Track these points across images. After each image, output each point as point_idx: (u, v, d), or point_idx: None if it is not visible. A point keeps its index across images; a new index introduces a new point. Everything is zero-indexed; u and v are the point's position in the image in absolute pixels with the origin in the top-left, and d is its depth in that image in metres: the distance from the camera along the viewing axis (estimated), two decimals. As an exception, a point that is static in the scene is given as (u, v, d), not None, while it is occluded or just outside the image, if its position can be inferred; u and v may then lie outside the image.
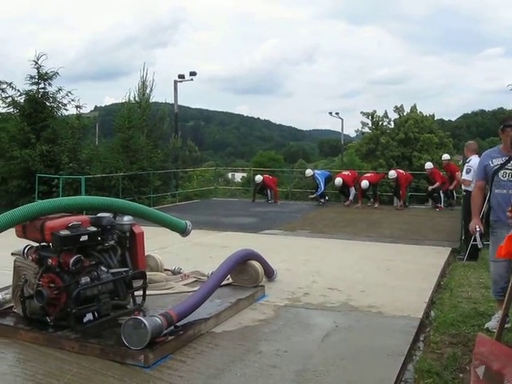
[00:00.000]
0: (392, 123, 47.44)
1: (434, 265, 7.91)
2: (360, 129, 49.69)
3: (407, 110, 47.37)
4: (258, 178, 18.41)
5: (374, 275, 7.24)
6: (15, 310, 5.03)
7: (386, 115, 48.02)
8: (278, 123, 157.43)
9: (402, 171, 17.08)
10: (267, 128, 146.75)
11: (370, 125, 47.88)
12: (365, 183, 16.10)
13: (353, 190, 16.55)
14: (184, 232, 6.60)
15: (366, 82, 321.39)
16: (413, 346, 4.73)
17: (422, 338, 5.05)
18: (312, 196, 17.87)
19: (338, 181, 16.52)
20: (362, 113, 48.28)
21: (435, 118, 49.99)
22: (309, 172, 17.78)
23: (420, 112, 47.18)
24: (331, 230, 11.67)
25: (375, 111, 48.07)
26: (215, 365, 4.17)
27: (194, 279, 6.38)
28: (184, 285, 6.15)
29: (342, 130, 53.94)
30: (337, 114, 48.98)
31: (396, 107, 47.58)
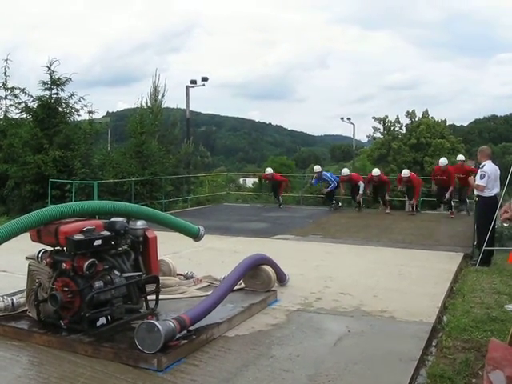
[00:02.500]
0: (404, 128, 47.41)
1: (446, 270, 7.88)
2: (372, 134, 49.79)
3: (419, 115, 47.34)
4: (269, 169, 18.79)
5: (387, 280, 7.23)
6: (29, 314, 5.08)
7: (397, 120, 48.07)
8: (289, 128, 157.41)
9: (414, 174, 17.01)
10: (279, 133, 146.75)
11: (382, 130, 47.93)
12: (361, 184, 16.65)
13: (362, 185, 16.68)
14: (197, 237, 6.63)
15: (379, 87, 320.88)
16: (425, 351, 4.72)
17: (434, 343, 5.03)
18: (326, 190, 17.50)
19: (345, 170, 17.48)
20: (373, 118, 48.47)
21: (447, 124, 49.99)
22: (317, 168, 17.87)
23: (432, 117, 47.15)
24: (343, 235, 11.67)
25: (387, 116, 48.16)
26: (228, 369, 4.18)
27: (207, 284, 6.40)
28: (197, 289, 6.18)
29: (354, 135, 53.80)
30: (348, 119, 48.97)
31: (408, 112, 47.61)
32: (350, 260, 8.82)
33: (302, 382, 3.95)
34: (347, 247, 10.10)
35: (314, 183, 18.85)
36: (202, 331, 4.73)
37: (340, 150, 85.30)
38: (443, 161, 15.61)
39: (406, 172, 16.13)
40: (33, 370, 4.23)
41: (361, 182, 16.79)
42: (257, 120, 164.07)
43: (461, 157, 15.95)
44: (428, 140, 43.58)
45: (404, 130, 47.22)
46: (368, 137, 52.20)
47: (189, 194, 21.09)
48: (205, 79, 28.31)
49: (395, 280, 7.29)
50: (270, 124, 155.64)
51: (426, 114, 47.31)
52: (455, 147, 44.55)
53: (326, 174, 17.81)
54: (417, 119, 46.73)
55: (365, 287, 6.80)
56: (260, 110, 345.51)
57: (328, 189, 17.28)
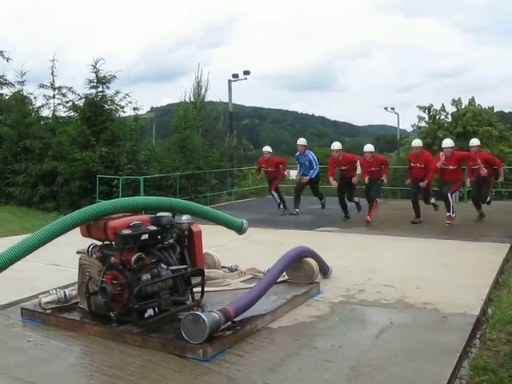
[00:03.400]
0: (449, 117, 46.47)
1: (492, 261, 7.78)
2: (416, 123, 48.86)
3: (465, 102, 46.31)
4: (267, 148, 14.40)
5: (431, 272, 7.20)
6: (81, 306, 5.27)
7: (443, 109, 47.10)
8: (332, 119, 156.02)
9: None
10: (322, 124, 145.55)
11: (427, 119, 47.05)
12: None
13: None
14: (240, 230, 6.73)
15: (423, 75, 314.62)
16: (468, 343, 4.70)
17: (478, 336, 5.01)
18: (306, 178, 13.60)
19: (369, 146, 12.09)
20: (418, 107, 47.52)
21: (495, 111, 48.67)
22: (302, 140, 13.73)
23: (478, 105, 46.04)
24: (387, 226, 11.60)
25: (432, 105, 47.21)
26: (271, 359, 4.27)
27: (251, 276, 6.49)
28: (241, 282, 6.28)
29: (398, 124, 52.98)
30: (392, 109, 48.38)
31: (453, 100, 46.60)
32: (393, 252, 8.79)
33: (344, 373, 4.01)
34: (391, 239, 10.05)
35: (316, 169, 13.51)
36: (247, 322, 4.83)
37: (384, 139, 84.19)
38: (475, 141, 12.07)
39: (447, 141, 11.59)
40: (85, 359, 4.41)
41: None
42: (300, 111, 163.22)
43: (475, 141, 12.01)
44: (475, 128, 42.56)
45: (450, 119, 46.28)
46: (413, 126, 51.26)
47: (233, 188, 21.25)
48: (247, 73, 28.43)
49: (439, 272, 7.25)
50: (314, 115, 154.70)
51: (472, 101, 46.23)
52: (503, 135, 43.47)
53: (312, 153, 13.77)
54: (463, 107, 45.74)
55: (408, 279, 6.78)
56: (303, 102, 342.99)
57: (307, 177, 13.45)
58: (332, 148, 12.44)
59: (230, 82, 28.25)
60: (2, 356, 4.47)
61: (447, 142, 11.26)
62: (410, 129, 59.45)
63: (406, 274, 7.11)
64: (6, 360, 4.37)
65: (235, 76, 28.43)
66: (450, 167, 11.14)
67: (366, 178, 11.91)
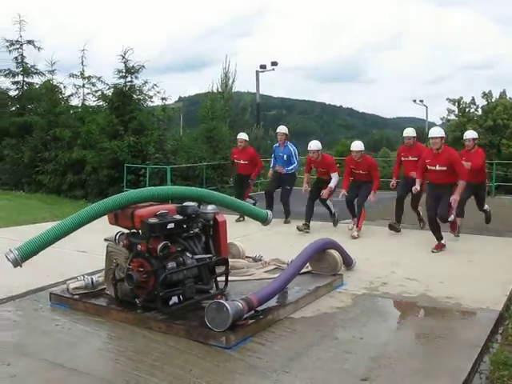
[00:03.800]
0: (479, 110, 45.80)
1: (517, 257, 7.72)
2: (446, 116, 48.25)
3: (496, 95, 45.57)
4: (243, 135, 11.80)
5: (455, 266, 7.18)
6: (107, 292, 5.40)
7: (473, 102, 46.41)
8: (360, 111, 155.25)
9: None
10: (350, 116, 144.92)
11: (457, 112, 46.43)
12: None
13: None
14: (265, 221, 6.79)
15: (454, 67, 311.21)
16: (490, 338, 4.70)
17: (500, 331, 5.00)
18: (280, 169, 11.13)
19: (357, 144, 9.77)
20: (447, 99, 46.88)
21: (527, 104, 47.75)
22: (283, 128, 11.37)
23: (510, 98, 45.24)
24: (410, 220, 11.52)
25: (462, 98, 46.56)
26: (293, 348, 4.34)
27: (275, 266, 6.54)
28: (265, 272, 6.34)
29: (427, 117, 52.29)
30: (421, 101, 47.81)
31: (484, 93, 45.85)
32: (417, 245, 8.75)
33: (365, 364, 4.06)
34: (416, 232, 10.01)
35: (296, 164, 11.24)
36: (269, 312, 4.90)
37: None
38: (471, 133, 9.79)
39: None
40: (111, 344, 4.53)
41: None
42: (327, 102, 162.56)
43: (471, 134, 9.79)
44: (505, 122, 41.87)
45: (480, 112, 45.65)
46: (442, 119, 50.64)
47: (259, 178, 21.29)
48: (274, 64, 28.41)
49: (463, 266, 7.22)
50: (341, 106, 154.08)
51: (503, 94, 45.48)
52: (535, 129, 42.72)
53: (292, 145, 11.33)
54: (493, 100, 45.03)
55: (432, 273, 6.76)
56: (331, 93, 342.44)
57: (286, 170, 11.13)
58: (309, 148, 10.11)
59: (257, 72, 28.28)
60: (31, 339, 4.63)
61: (434, 131, 8.32)
62: (438, 122, 58.60)
63: (430, 267, 7.10)
64: (35, 342, 4.51)
65: (263, 67, 28.43)
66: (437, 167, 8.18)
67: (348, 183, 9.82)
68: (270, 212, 6.84)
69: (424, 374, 3.91)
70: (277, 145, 11.38)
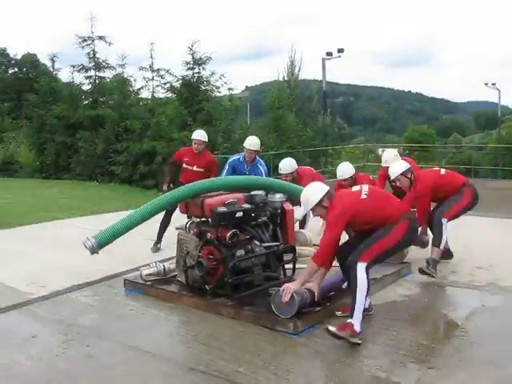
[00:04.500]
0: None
1: None
2: (521, 100, 46.34)
3: None
4: (200, 133, 8.00)
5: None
6: (179, 279, 5.58)
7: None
8: (430, 96, 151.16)
9: None
10: (419, 101, 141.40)
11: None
12: None
13: None
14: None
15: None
16: None
17: None
18: None
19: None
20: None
21: None
22: (253, 144, 7.74)
23: None
24: (483, 207, 11.18)
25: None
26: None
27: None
28: (331, 260, 6.35)
29: (499, 100, 50.07)
30: (493, 84, 45.94)
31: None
32: (489, 233, 8.52)
33: (429, 351, 4.05)
34: (488, 220, 9.75)
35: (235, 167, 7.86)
36: (336, 299, 4.95)
37: (485, 116, 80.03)
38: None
39: None
40: (182, 328, 4.70)
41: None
42: (396, 88, 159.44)
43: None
44: None
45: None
46: (517, 103, 48.76)
47: (326, 166, 21.23)
48: (341, 51, 28.06)
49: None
50: (410, 92, 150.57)
51: None
52: None
53: (263, 163, 8.06)
54: None
55: (503, 262, 6.59)
56: (399, 78, 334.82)
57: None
58: (280, 172, 7.93)
59: (323, 60, 28.04)
60: (107, 322, 4.87)
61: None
62: (513, 105, 56.33)
63: (501, 256, 6.88)
64: (111, 326, 4.75)
65: (329, 54, 28.13)
66: None
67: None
68: None
69: (491, 364, 3.85)
70: (239, 158, 7.94)
